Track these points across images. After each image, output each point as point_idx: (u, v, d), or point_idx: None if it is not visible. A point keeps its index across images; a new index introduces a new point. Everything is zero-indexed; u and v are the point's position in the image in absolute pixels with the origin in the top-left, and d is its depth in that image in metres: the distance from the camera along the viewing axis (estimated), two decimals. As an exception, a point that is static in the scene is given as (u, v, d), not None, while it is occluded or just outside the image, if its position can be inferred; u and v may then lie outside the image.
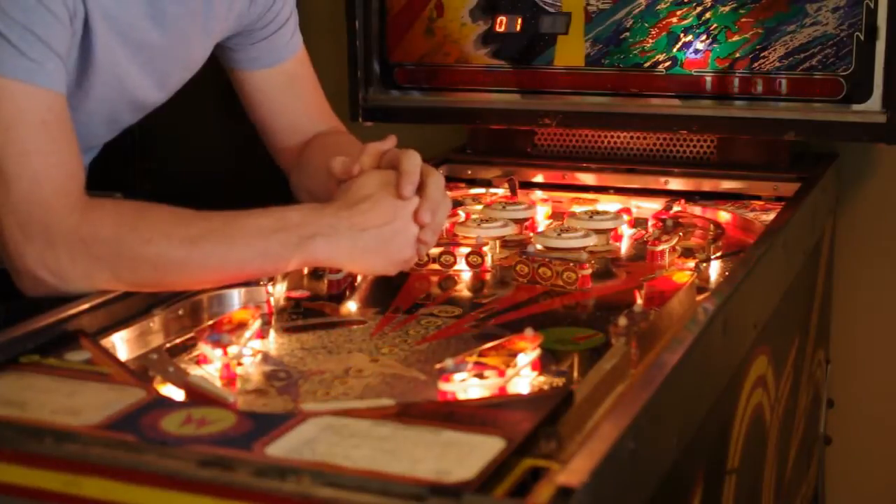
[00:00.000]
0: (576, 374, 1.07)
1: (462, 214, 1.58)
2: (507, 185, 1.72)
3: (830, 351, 1.95)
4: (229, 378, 1.06)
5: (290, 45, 1.50)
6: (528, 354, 1.04)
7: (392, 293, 1.31)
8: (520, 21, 1.82)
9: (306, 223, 1.16)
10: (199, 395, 0.96)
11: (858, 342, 1.97)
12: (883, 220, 1.92)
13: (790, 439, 1.61)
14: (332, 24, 2.00)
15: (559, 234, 1.42)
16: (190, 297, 1.21)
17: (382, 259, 1.21)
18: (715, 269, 1.37)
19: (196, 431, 0.85)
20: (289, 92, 1.50)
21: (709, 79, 1.73)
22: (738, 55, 1.71)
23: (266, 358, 1.12)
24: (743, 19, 1.70)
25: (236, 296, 1.24)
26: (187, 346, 1.14)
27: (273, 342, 1.17)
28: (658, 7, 1.75)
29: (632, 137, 1.84)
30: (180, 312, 1.19)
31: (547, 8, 1.81)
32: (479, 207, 1.61)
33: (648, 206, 1.66)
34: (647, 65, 1.76)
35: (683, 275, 1.28)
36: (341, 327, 1.21)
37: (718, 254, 1.42)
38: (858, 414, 1.99)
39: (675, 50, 1.74)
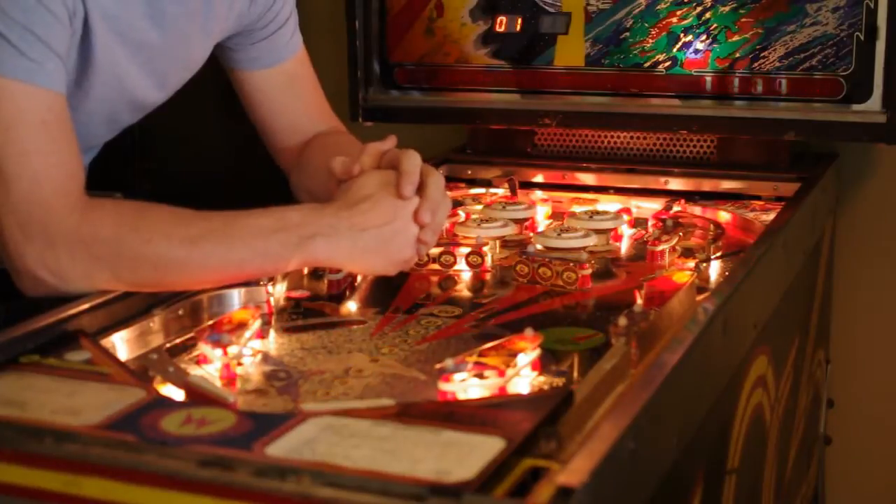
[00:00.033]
0: (576, 374, 1.07)
1: (462, 214, 1.58)
2: (507, 185, 1.72)
3: (830, 351, 1.95)
4: (229, 378, 1.06)
5: (290, 45, 1.50)
6: (528, 354, 1.04)
7: (392, 293, 1.31)
8: (520, 21, 1.82)
9: (306, 223, 1.16)
10: (199, 395, 0.96)
11: (858, 342, 1.97)
12: (883, 220, 1.92)
13: (790, 439, 1.61)
14: (332, 24, 2.00)
15: (559, 234, 1.42)
16: (190, 297, 1.21)
17: (382, 259, 1.21)
18: (715, 269, 1.37)
19: (196, 431, 0.85)
20: (289, 92, 1.50)
21: (709, 79, 1.73)
22: (738, 55, 1.71)
23: (266, 358, 1.12)
24: (743, 19, 1.70)
25: (236, 296, 1.24)
26: (187, 346, 1.14)
27: (273, 342, 1.17)
28: (658, 7, 1.75)
29: (632, 137, 1.84)
30: (180, 312, 1.19)
31: (547, 8, 1.81)
32: (479, 207, 1.61)
33: (648, 206, 1.66)
34: (647, 65, 1.76)
35: (683, 275, 1.28)
36: (341, 327, 1.21)
37: (718, 254, 1.42)
38: (858, 414, 1.99)
39: (675, 50, 1.74)
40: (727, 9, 1.71)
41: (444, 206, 1.24)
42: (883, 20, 1.63)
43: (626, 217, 1.55)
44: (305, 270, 1.37)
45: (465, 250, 1.39)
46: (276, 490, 0.76)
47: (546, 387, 1.03)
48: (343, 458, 0.80)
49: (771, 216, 1.52)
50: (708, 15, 1.72)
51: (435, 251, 1.37)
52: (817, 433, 1.90)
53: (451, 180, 1.80)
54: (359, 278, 1.36)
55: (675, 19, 1.74)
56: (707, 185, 1.73)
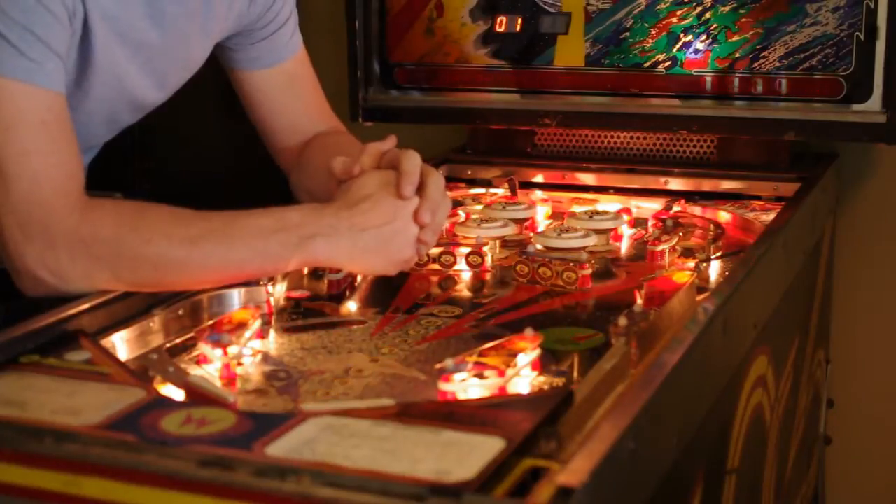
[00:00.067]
0: (576, 374, 1.07)
1: (462, 214, 1.58)
2: (507, 185, 1.72)
3: (830, 351, 1.95)
4: (229, 378, 1.06)
5: (289, 45, 1.50)
6: (528, 354, 1.04)
7: (392, 293, 1.31)
8: (520, 21, 1.82)
9: (306, 223, 1.16)
10: (199, 395, 0.96)
11: (858, 342, 1.97)
12: (883, 220, 1.92)
13: (790, 439, 1.61)
14: (332, 24, 2.00)
15: (559, 234, 1.42)
16: (190, 297, 1.21)
17: (382, 259, 1.21)
18: (715, 269, 1.37)
19: (196, 431, 0.85)
20: (289, 92, 1.50)
21: (709, 79, 1.73)
22: (738, 55, 1.71)
23: (266, 358, 1.12)
24: (743, 19, 1.70)
25: (236, 296, 1.24)
26: (187, 346, 1.14)
27: (273, 342, 1.17)
28: (658, 7, 1.75)
29: (632, 137, 1.84)
30: (180, 312, 1.19)
31: (547, 8, 1.81)
32: (479, 207, 1.61)
33: (648, 206, 1.66)
34: (647, 65, 1.76)
35: (683, 275, 1.28)
36: (341, 327, 1.21)
37: (718, 254, 1.42)
38: (858, 414, 1.99)
39: (675, 50, 1.74)
40: (727, 9, 1.71)
41: (444, 206, 1.24)
42: (883, 20, 1.63)
43: (626, 217, 1.55)
44: (305, 270, 1.37)
45: (465, 250, 1.39)
46: (276, 490, 0.76)
47: (546, 387, 1.03)
48: (343, 458, 0.80)
49: (771, 216, 1.52)
50: (708, 15, 1.72)
51: (435, 251, 1.37)
52: (817, 433, 1.90)
53: (451, 180, 1.80)
54: (359, 278, 1.36)
55: (675, 19, 1.74)
56: (707, 185, 1.73)
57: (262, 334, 1.17)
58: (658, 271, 1.34)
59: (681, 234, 1.47)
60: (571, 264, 1.32)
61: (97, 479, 0.79)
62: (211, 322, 1.15)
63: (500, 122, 1.87)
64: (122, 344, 1.12)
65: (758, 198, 1.67)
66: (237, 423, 0.86)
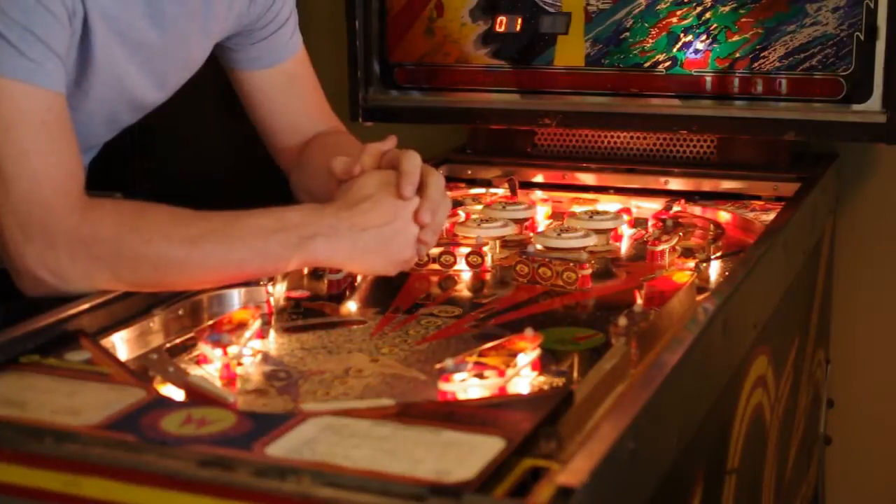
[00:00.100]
0: (576, 374, 1.07)
1: (462, 214, 1.58)
2: (507, 185, 1.72)
3: (830, 351, 1.95)
4: (229, 378, 1.06)
5: (289, 45, 1.50)
6: (528, 354, 1.04)
7: (392, 293, 1.31)
8: (520, 21, 1.82)
9: (306, 223, 1.16)
10: (199, 395, 0.96)
11: (858, 342, 1.97)
12: (883, 220, 1.92)
13: (790, 439, 1.61)
14: (332, 24, 2.00)
15: (559, 234, 1.42)
16: (190, 297, 1.21)
17: (382, 259, 1.21)
18: (715, 269, 1.37)
19: (196, 431, 0.85)
20: (289, 92, 1.50)
21: (709, 79, 1.73)
22: (738, 55, 1.71)
23: (266, 358, 1.12)
24: (743, 19, 1.70)
25: (236, 296, 1.24)
26: (187, 346, 1.14)
27: (273, 342, 1.17)
28: (658, 7, 1.75)
29: (632, 137, 1.84)
30: (180, 312, 1.19)
31: (547, 8, 1.81)
32: (479, 207, 1.61)
33: (648, 206, 1.66)
34: (647, 65, 1.76)
35: (683, 275, 1.28)
36: (341, 327, 1.21)
37: (718, 254, 1.42)
38: (858, 414, 1.99)
39: (675, 50, 1.74)
40: (727, 9, 1.71)
41: (444, 206, 1.24)
42: (883, 20, 1.63)
43: (626, 217, 1.55)
44: (305, 270, 1.37)
45: (465, 250, 1.39)
46: (276, 490, 0.76)
47: (546, 387, 1.03)
48: (343, 458, 0.80)
49: (771, 216, 1.52)
50: (708, 15, 1.72)
51: (435, 251, 1.37)
52: (817, 433, 1.90)
53: (451, 180, 1.80)
54: (359, 278, 1.36)
55: (675, 19, 1.74)
56: (707, 185, 1.73)
57: (262, 334, 1.17)
58: (658, 271, 1.34)
59: (681, 234, 1.47)
60: (571, 264, 1.32)
61: (97, 479, 0.79)
62: (211, 322, 1.15)
63: (500, 122, 1.87)
64: (122, 344, 1.12)
65: (758, 198, 1.67)
66: (237, 423, 0.86)
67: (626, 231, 1.53)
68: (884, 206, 1.92)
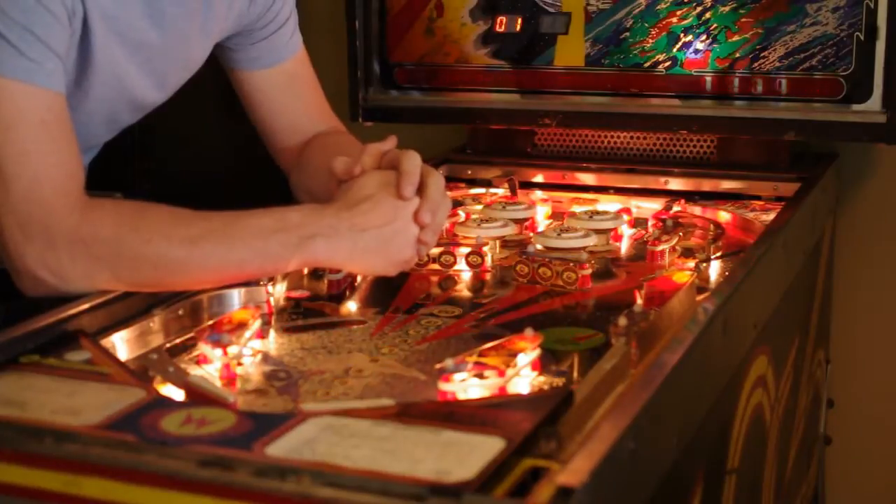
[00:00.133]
0: (576, 374, 1.07)
1: (462, 214, 1.58)
2: (507, 185, 1.72)
3: (830, 351, 1.95)
4: (229, 378, 1.06)
5: (289, 45, 1.50)
6: (528, 354, 1.04)
7: (392, 293, 1.31)
8: (520, 21, 1.83)
9: (306, 223, 1.16)
10: (199, 395, 0.96)
11: (858, 342, 1.97)
12: (883, 220, 1.92)
13: (790, 439, 1.61)
14: (332, 24, 2.00)
15: (559, 234, 1.42)
16: (190, 297, 1.21)
17: (383, 259, 1.20)
18: (715, 269, 1.37)
19: (196, 431, 0.85)
20: (289, 92, 1.50)
21: (709, 79, 1.73)
22: (738, 55, 1.71)
23: (266, 358, 1.12)
24: (743, 19, 1.70)
25: (236, 296, 1.24)
26: (187, 346, 1.14)
27: (273, 342, 1.17)
28: (658, 7, 1.75)
29: (632, 137, 1.84)
30: (180, 312, 1.19)
31: (547, 8, 1.81)
32: (479, 207, 1.61)
33: (648, 206, 1.66)
34: (647, 65, 1.76)
35: (683, 275, 1.28)
36: (341, 327, 1.21)
37: (718, 254, 1.42)
38: (858, 414, 1.99)
39: (675, 50, 1.74)
40: (727, 9, 1.71)
41: (444, 206, 1.24)
42: (883, 20, 1.63)
43: (626, 217, 1.55)
44: (305, 270, 1.37)
45: (465, 250, 1.39)
46: (276, 490, 0.76)
47: (546, 387, 1.03)
48: (343, 458, 0.80)
49: (771, 216, 1.52)
50: (708, 15, 1.72)
51: (435, 251, 1.37)
52: (817, 433, 1.90)
53: (451, 180, 1.80)
54: (359, 278, 1.36)
55: (675, 19, 1.74)
56: (707, 185, 1.73)
57: (262, 334, 1.17)
58: (658, 271, 1.34)
59: (681, 234, 1.47)
60: (571, 264, 1.32)
61: (97, 479, 0.79)
62: (211, 322, 1.15)
63: (500, 122, 1.87)
64: (122, 344, 1.12)
65: (758, 198, 1.67)
66: (237, 423, 0.86)
67: (626, 231, 1.53)
68: (884, 206, 1.92)
